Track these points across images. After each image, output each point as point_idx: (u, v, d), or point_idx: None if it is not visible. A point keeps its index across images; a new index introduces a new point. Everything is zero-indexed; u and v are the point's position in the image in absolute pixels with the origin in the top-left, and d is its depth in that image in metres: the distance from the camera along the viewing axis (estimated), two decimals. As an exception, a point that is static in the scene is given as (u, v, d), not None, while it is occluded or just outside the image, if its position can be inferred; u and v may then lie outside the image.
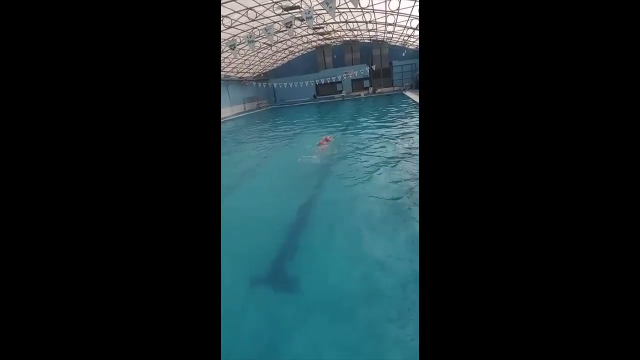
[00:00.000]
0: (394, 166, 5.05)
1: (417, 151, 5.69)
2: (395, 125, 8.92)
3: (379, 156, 5.72)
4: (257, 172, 6.13)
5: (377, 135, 7.77)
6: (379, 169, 4.96)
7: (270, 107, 25.90)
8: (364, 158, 5.73)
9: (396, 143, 6.70)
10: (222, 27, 14.01)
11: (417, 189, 3.88)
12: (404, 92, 21.39)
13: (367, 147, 6.61)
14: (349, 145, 6.90)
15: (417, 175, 4.37)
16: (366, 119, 11.39)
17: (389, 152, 5.96)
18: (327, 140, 7.25)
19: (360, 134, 8.47)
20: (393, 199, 3.80)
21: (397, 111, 12.41)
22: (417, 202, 3.56)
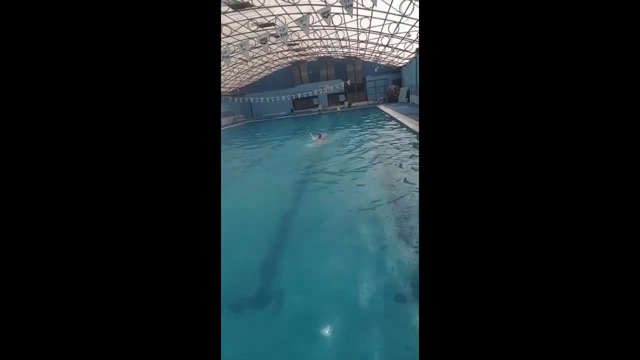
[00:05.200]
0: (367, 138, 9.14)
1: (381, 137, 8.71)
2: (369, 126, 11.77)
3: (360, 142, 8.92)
4: (273, 154, 9.05)
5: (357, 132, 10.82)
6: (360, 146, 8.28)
7: (247, 122, 25.82)
8: (350, 147, 8.30)
9: (372, 134, 9.88)
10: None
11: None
12: (377, 105, 22.12)
13: (350, 140, 9.42)
14: (336, 139, 9.83)
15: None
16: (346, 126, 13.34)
17: (366, 139, 9.20)
18: (320, 136, 9.95)
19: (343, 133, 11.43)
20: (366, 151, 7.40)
21: (373, 120, 12.98)
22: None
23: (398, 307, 2.11)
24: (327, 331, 1.96)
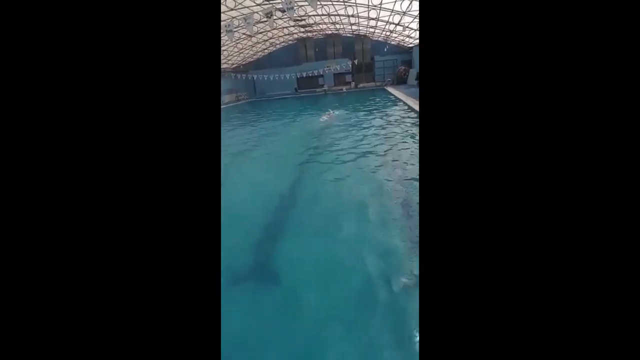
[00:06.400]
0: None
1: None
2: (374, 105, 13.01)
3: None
4: (292, 127, 10.57)
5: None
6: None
7: (249, 100, 25.24)
8: (353, 121, 9.80)
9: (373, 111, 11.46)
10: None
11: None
12: (385, 87, 21.43)
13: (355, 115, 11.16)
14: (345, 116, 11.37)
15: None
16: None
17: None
18: (329, 114, 11.14)
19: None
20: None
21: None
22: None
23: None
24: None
